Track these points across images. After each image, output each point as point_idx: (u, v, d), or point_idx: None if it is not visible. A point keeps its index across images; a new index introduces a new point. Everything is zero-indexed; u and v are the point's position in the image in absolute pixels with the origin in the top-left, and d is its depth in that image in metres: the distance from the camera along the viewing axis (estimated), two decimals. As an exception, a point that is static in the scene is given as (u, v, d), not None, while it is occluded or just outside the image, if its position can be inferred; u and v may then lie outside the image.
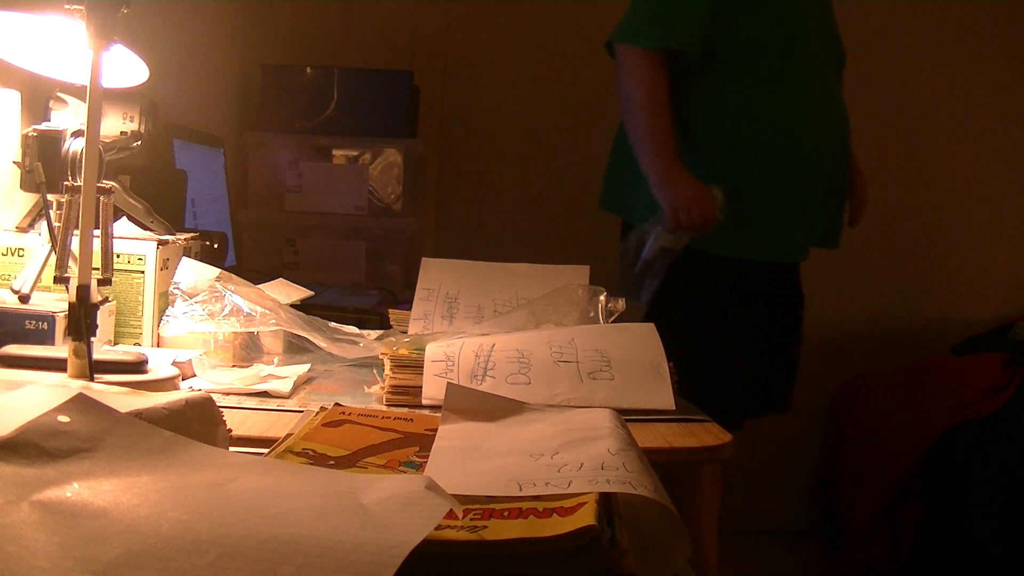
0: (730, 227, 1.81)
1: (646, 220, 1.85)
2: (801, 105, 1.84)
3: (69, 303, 0.84)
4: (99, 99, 0.84)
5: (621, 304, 1.23)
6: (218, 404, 0.67)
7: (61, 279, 0.88)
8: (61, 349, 0.88)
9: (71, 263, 0.87)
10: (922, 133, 2.82)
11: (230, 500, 0.47)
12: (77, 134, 0.96)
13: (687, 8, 1.79)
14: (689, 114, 1.87)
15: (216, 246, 1.35)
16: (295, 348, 1.18)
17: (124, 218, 1.15)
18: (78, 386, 0.71)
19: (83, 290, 0.83)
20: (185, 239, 1.21)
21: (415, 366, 1.00)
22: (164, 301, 1.11)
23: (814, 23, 1.88)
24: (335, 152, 2.30)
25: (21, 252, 1.09)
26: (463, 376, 0.99)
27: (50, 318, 0.97)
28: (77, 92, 1.00)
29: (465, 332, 1.11)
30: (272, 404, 0.96)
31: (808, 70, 1.86)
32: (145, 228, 1.17)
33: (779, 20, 1.83)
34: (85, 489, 0.47)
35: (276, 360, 1.14)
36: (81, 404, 0.53)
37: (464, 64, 2.76)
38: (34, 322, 0.97)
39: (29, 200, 1.11)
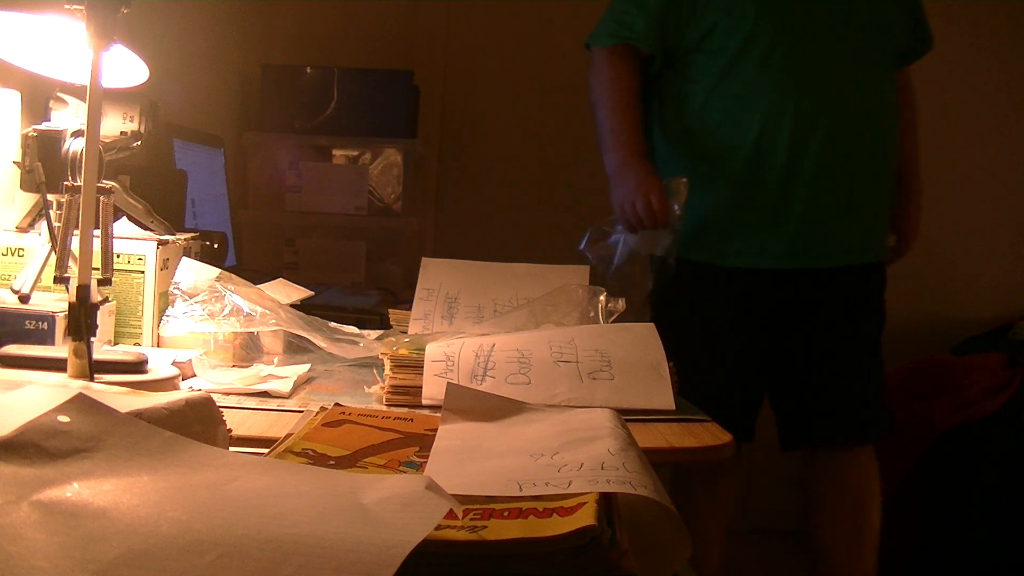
0: (689, 229, 1.73)
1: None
2: (766, 97, 1.71)
3: (69, 303, 0.84)
4: (99, 99, 0.84)
5: (621, 304, 1.23)
6: (218, 404, 0.67)
7: (61, 279, 0.88)
8: (61, 349, 0.88)
9: (71, 263, 0.87)
10: (921, 133, 2.82)
11: (230, 500, 0.47)
12: (77, 134, 0.96)
13: (637, 3, 1.78)
14: (657, 113, 1.84)
15: (216, 246, 1.35)
16: (295, 348, 1.18)
17: (124, 218, 1.15)
18: (78, 386, 0.71)
19: (83, 290, 0.83)
20: (185, 239, 1.21)
21: (415, 366, 1.00)
22: (164, 301, 1.11)
23: (814, 11, 1.73)
24: (335, 152, 2.30)
25: (21, 252, 1.09)
26: (463, 376, 0.99)
27: (50, 318, 0.97)
28: (77, 92, 1.00)
29: (465, 332, 1.11)
30: (272, 404, 0.96)
31: (788, 61, 1.71)
32: (145, 228, 1.17)
33: (746, 8, 1.71)
34: (85, 489, 0.47)
35: (276, 360, 1.14)
36: (81, 404, 0.53)
37: (464, 64, 2.76)
38: (34, 322, 0.97)
39: (29, 200, 1.11)
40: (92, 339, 0.84)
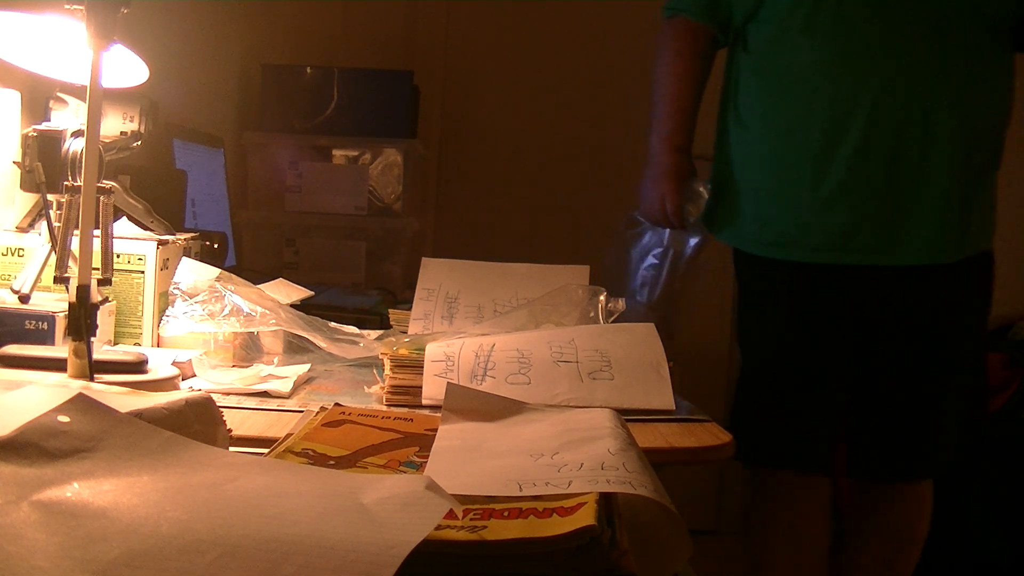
0: (732, 209, 1.64)
1: (721, 229, 1.69)
2: (803, 72, 1.55)
3: (69, 303, 0.84)
4: (99, 99, 0.84)
5: (621, 304, 1.23)
6: (218, 404, 0.67)
7: (61, 279, 0.88)
8: (61, 349, 0.88)
9: (71, 263, 0.87)
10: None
11: (230, 500, 0.47)
12: (77, 134, 0.96)
13: None
14: (722, 90, 1.73)
15: (216, 246, 1.36)
16: (295, 348, 1.18)
17: (124, 218, 1.15)
18: (78, 386, 0.71)
19: (83, 290, 0.83)
20: (185, 239, 1.21)
21: (415, 366, 1.00)
22: (164, 301, 1.11)
23: None
24: (335, 152, 2.30)
25: (21, 252, 1.09)
26: (463, 376, 0.99)
27: (50, 318, 0.97)
28: (77, 92, 1.00)
29: (465, 332, 1.11)
30: (272, 404, 0.96)
31: (835, 26, 1.51)
32: (145, 228, 1.17)
33: None
34: (85, 489, 0.47)
35: (276, 360, 1.14)
36: (81, 404, 0.53)
37: (464, 64, 2.76)
38: (34, 322, 0.97)
39: (29, 200, 1.11)
40: (92, 339, 0.84)
